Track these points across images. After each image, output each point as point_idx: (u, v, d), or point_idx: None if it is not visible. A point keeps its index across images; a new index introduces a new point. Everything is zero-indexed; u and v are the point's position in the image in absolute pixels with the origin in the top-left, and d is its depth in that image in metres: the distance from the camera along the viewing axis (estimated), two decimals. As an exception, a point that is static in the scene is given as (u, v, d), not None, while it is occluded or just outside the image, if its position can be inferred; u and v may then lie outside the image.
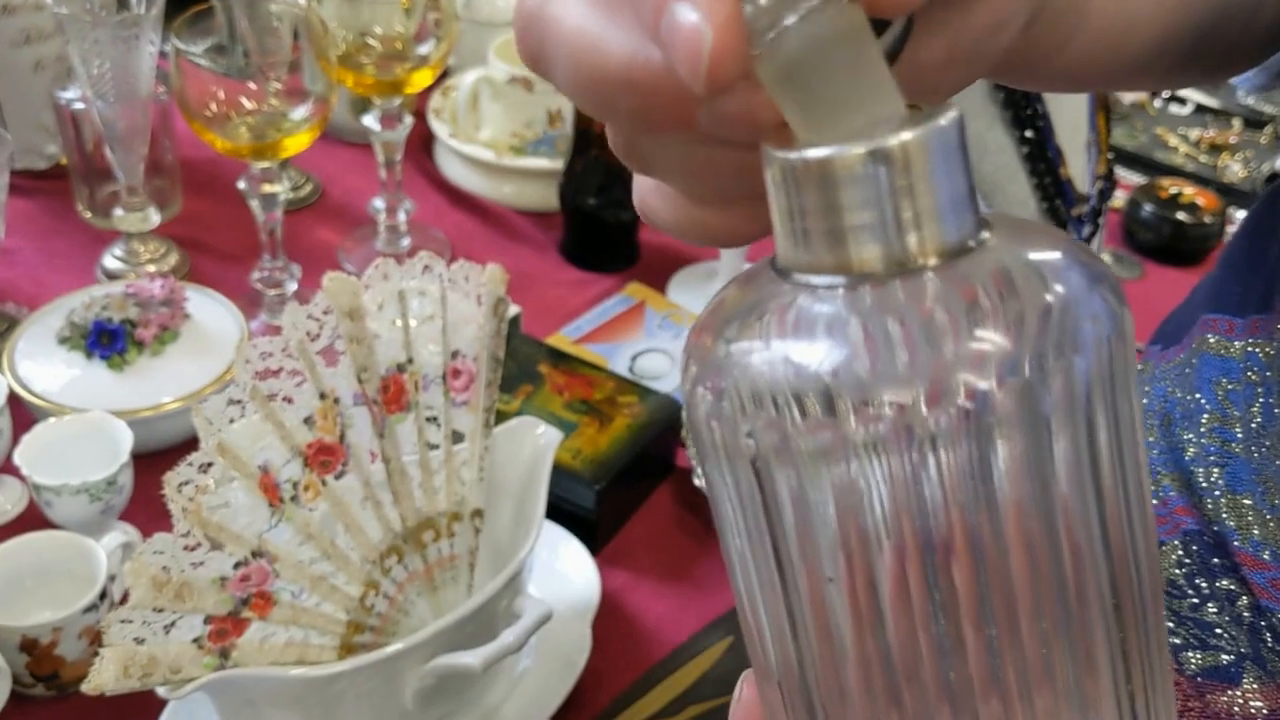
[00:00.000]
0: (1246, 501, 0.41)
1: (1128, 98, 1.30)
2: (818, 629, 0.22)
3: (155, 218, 0.91)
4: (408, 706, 0.58)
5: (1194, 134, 1.24)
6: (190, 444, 0.79)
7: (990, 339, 0.19)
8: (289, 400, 0.56)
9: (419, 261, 0.63)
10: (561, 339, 0.89)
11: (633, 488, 0.77)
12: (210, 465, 0.52)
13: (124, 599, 0.53)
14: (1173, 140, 1.23)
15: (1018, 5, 0.28)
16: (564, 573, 0.70)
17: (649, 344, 0.90)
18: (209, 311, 0.82)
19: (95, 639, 0.63)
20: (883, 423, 0.19)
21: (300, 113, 0.81)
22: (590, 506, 0.73)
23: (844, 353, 0.19)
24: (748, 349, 0.20)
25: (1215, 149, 1.22)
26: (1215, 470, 0.42)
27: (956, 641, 0.21)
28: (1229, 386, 0.43)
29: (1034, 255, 0.21)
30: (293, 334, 0.56)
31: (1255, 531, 0.41)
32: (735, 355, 0.21)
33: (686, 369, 0.22)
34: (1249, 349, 0.43)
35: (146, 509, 0.72)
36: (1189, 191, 1.07)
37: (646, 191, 0.26)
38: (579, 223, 0.98)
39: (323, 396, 0.57)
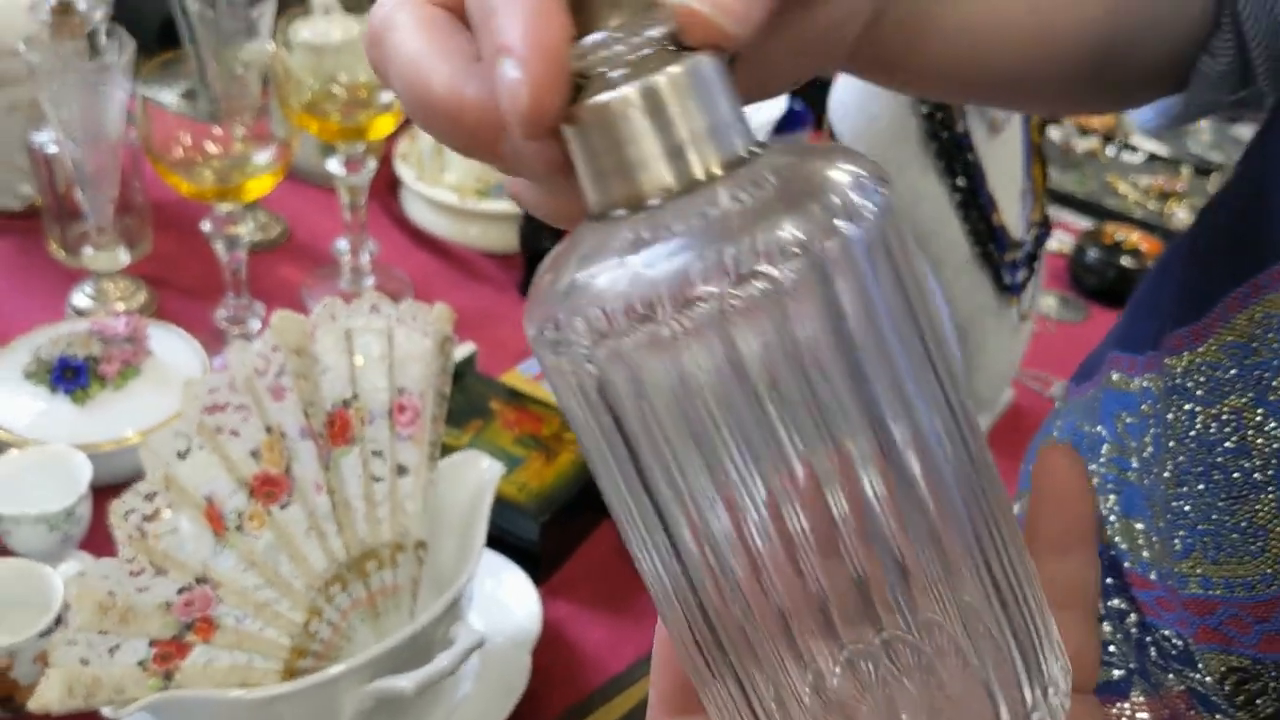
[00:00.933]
0: (1139, 526, 0.44)
1: (1080, 146, 1.34)
2: (690, 529, 0.24)
3: (124, 257, 0.94)
4: (346, 729, 0.60)
5: (1144, 181, 1.28)
6: (150, 476, 0.81)
7: (774, 223, 0.22)
8: (235, 434, 0.59)
9: (366, 301, 0.66)
10: (517, 375, 0.92)
11: (577, 521, 0.80)
12: (155, 494, 0.55)
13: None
14: (1123, 187, 1.27)
15: (858, 5, 0.31)
16: (506, 603, 0.72)
17: (601, 382, 0.93)
18: (172, 348, 0.85)
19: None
20: (697, 311, 0.22)
21: (263, 157, 0.84)
22: (534, 539, 0.75)
23: (652, 260, 0.22)
24: (569, 284, 0.23)
25: (1164, 196, 1.26)
26: (1112, 497, 0.45)
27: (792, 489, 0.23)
28: (1127, 420, 0.46)
29: (803, 154, 0.24)
30: (240, 370, 0.59)
31: (1144, 554, 0.43)
32: (560, 294, 0.23)
33: (528, 331, 0.24)
34: (1144, 384, 0.45)
35: (106, 540, 0.75)
36: (1134, 237, 1.11)
37: (511, 181, 0.29)
38: (538, 263, 1.00)
39: (269, 430, 0.60)
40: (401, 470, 0.66)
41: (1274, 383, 0.38)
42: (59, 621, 0.66)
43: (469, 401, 0.83)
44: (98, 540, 0.75)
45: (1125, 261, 1.09)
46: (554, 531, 0.76)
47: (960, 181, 0.80)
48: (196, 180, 0.83)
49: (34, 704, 0.53)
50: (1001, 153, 0.85)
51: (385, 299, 0.66)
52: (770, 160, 0.23)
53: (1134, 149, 1.34)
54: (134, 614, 0.54)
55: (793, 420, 0.23)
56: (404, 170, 1.08)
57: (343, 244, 0.98)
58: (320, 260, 1.05)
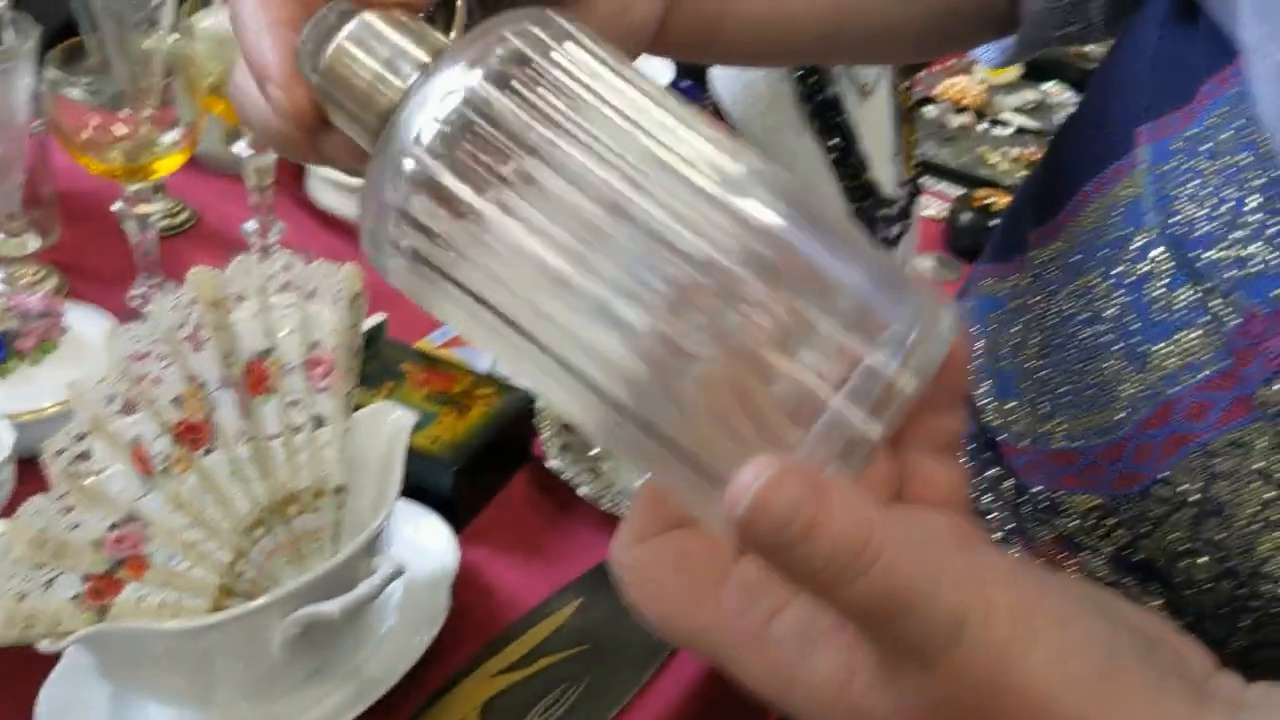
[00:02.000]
0: (1010, 404, 0.50)
1: (955, 121, 1.42)
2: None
3: (34, 243, 0.95)
4: (276, 656, 0.63)
5: (1013, 152, 1.36)
6: (70, 447, 0.83)
7: (472, 64, 0.30)
8: (158, 381, 0.62)
9: (279, 260, 0.69)
10: (426, 344, 0.96)
11: (490, 473, 0.84)
12: (85, 434, 0.58)
13: None
14: (993, 158, 1.35)
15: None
16: (424, 546, 0.76)
17: (508, 346, 0.97)
18: (87, 325, 0.87)
19: (-20, 619, 0.68)
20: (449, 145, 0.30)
21: (170, 137, 0.87)
22: (448, 486, 0.79)
23: (447, 80, 0.30)
24: (371, 199, 0.31)
25: (1031, 164, 1.34)
26: (987, 383, 0.52)
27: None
28: (999, 317, 0.52)
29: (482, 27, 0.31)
30: (160, 321, 0.62)
31: (1015, 426, 0.50)
32: (370, 211, 0.31)
33: (369, 257, 0.33)
34: (1013, 284, 0.52)
35: (28, 507, 0.77)
36: (1002, 200, 1.18)
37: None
38: (442, 239, 1.04)
39: (190, 379, 0.63)
40: (319, 421, 0.70)
41: (1117, 259, 0.45)
42: (-12, 579, 0.69)
43: (381, 365, 0.86)
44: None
45: (994, 223, 1.16)
46: (467, 480, 0.80)
47: (834, 141, 0.86)
48: (106, 160, 0.85)
49: (-27, 636, 0.55)
50: (872, 116, 0.92)
51: (298, 258, 0.70)
52: (464, 40, 0.31)
53: (1004, 124, 1.42)
54: (67, 549, 0.57)
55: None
56: (308, 155, 1.11)
57: (251, 225, 1.01)
58: (229, 244, 1.07)
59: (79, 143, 0.85)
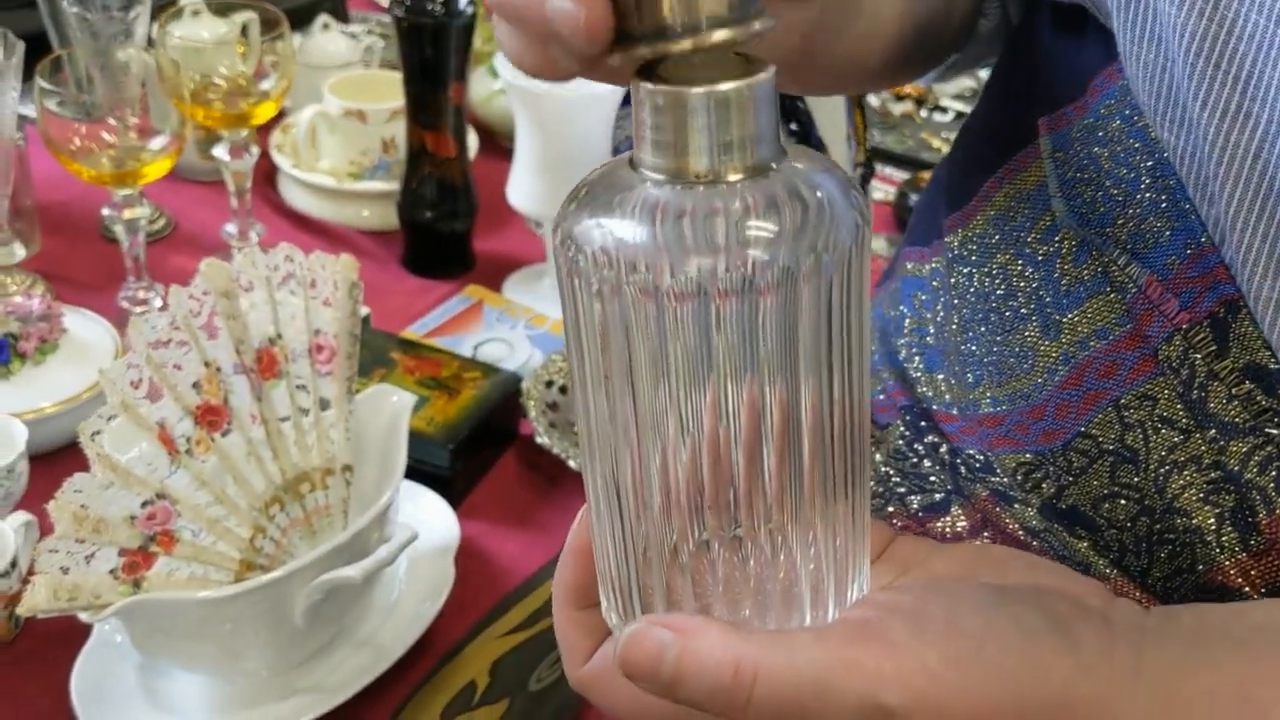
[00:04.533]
0: (939, 376, 0.55)
1: (897, 109, 1.48)
2: (629, 424, 0.32)
3: (20, 252, 0.98)
4: (298, 625, 0.67)
5: (954, 136, 1.43)
6: (73, 444, 0.87)
7: (768, 230, 0.29)
8: (179, 367, 0.66)
9: (281, 251, 0.73)
10: (410, 335, 1.00)
11: (481, 452, 0.88)
12: (115, 417, 0.61)
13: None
14: (936, 143, 1.42)
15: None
16: (426, 521, 0.80)
17: (489, 335, 1.01)
18: (84, 327, 0.90)
19: (8, 603, 0.71)
20: (687, 280, 0.29)
21: (158, 143, 0.90)
22: (445, 464, 0.83)
23: (665, 231, 0.29)
24: (595, 218, 0.30)
25: (971, 149, 1.41)
26: (917, 359, 0.56)
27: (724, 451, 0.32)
28: (923, 297, 0.57)
29: (814, 179, 0.31)
30: (178, 310, 0.66)
31: (946, 396, 0.55)
32: (587, 223, 0.30)
33: (557, 231, 0.31)
34: (933, 266, 0.57)
35: (38, 502, 0.80)
36: (947, 182, 1.25)
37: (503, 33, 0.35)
38: (418, 235, 1.09)
39: (206, 365, 0.67)
40: (324, 404, 0.74)
41: (1027, 239, 0.50)
42: (14, 565, 0.72)
43: (371, 354, 0.90)
44: (29, 504, 0.80)
45: (942, 203, 1.23)
46: (462, 457, 0.84)
47: (793, 126, 0.91)
48: (95, 167, 0.89)
49: (22, 609, 0.59)
50: (827, 104, 0.97)
51: (298, 250, 0.74)
52: (783, 178, 0.30)
53: (944, 110, 1.49)
54: (105, 524, 0.61)
55: (729, 365, 0.31)
56: (280, 159, 1.15)
57: (231, 228, 1.04)
58: (206, 248, 1.11)
59: (69, 152, 0.88)
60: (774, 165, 0.30)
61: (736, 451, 0.32)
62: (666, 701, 0.33)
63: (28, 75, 0.90)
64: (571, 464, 0.85)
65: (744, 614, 0.34)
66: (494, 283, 1.09)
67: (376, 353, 0.91)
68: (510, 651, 0.75)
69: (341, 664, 0.71)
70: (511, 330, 1.02)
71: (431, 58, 0.99)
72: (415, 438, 0.81)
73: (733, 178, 0.30)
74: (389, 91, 1.11)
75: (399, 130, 1.11)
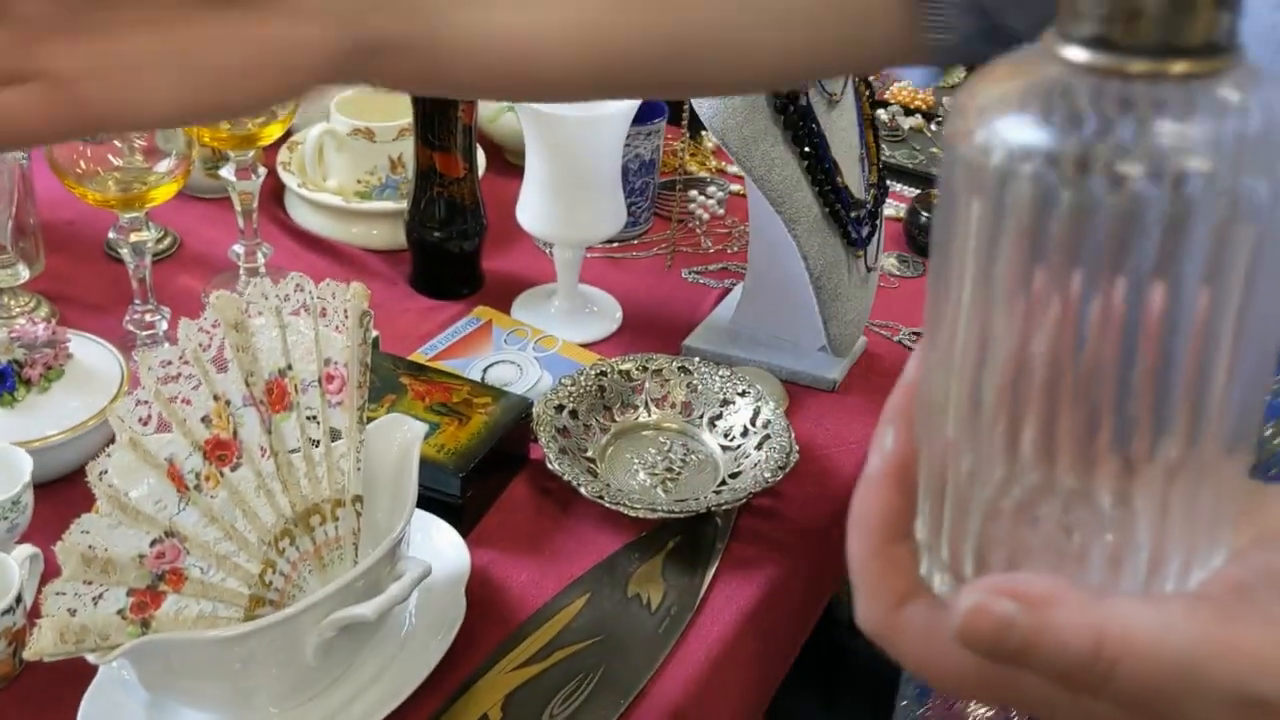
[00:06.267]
0: None
1: (906, 124, 1.47)
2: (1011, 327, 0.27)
3: (25, 273, 0.97)
4: (310, 663, 0.66)
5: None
6: (78, 472, 0.86)
7: (1205, 144, 0.25)
8: (187, 402, 0.65)
9: (291, 281, 0.72)
10: (419, 358, 0.98)
11: (492, 478, 0.87)
12: (116, 453, 0.60)
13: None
14: (946, 158, 1.41)
15: (307, 33, 0.41)
16: (437, 550, 0.79)
17: (499, 356, 1.00)
18: (89, 352, 0.89)
19: (12, 639, 0.70)
20: (1110, 183, 0.25)
21: (165, 166, 0.89)
22: (456, 492, 0.82)
23: (1095, 129, 0.25)
24: (1007, 120, 0.26)
25: (982, 163, 1.40)
26: None
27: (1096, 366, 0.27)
28: None
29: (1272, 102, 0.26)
30: (187, 344, 0.65)
31: None
32: (1000, 122, 0.26)
33: (964, 118, 0.28)
34: None
35: (43, 533, 0.79)
36: (958, 199, 1.23)
37: None
38: (426, 255, 1.07)
39: (216, 398, 0.66)
40: (335, 434, 0.73)
41: None
42: (19, 601, 0.71)
43: (381, 379, 0.89)
44: (34, 534, 0.79)
45: (954, 220, 1.21)
46: (473, 484, 0.83)
47: (807, 149, 0.90)
48: (101, 191, 0.88)
49: (29, 653, 0.57)
50: (840, 123, 0.96)
51: (308, 279, 0.73)
52: (1242, 79, 0.26)
53: (953, 124, 1.48)
54: (113, 565, 0.60)
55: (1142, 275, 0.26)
56: (287, 178, 1.14)
57: (238, 248, 1.03)
58: (213, 267, 1.10)
59: (75, 174, 0.87)
60: (1229, 61, 0.26)
61: (1134, 377, 0.27)
62: (990, 666, 0.30)
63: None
64: (583, 491, 0.84)
65: (1094, 577, 0.30)
66: (502, 303, 1.08)
67: (386, 378, 0.90)
68: (523, 685, 0.74)
69: (353, 701, 0.70)
70: (521, 352, 1.01)
71: (440, 77, 0.98)
72: (425, 465, 0.80)
73: (1175, 71, 0.26)
74: (396, 109, 1.10)
75: (407, 148, 1.10)
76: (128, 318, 0.95)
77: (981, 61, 0.61)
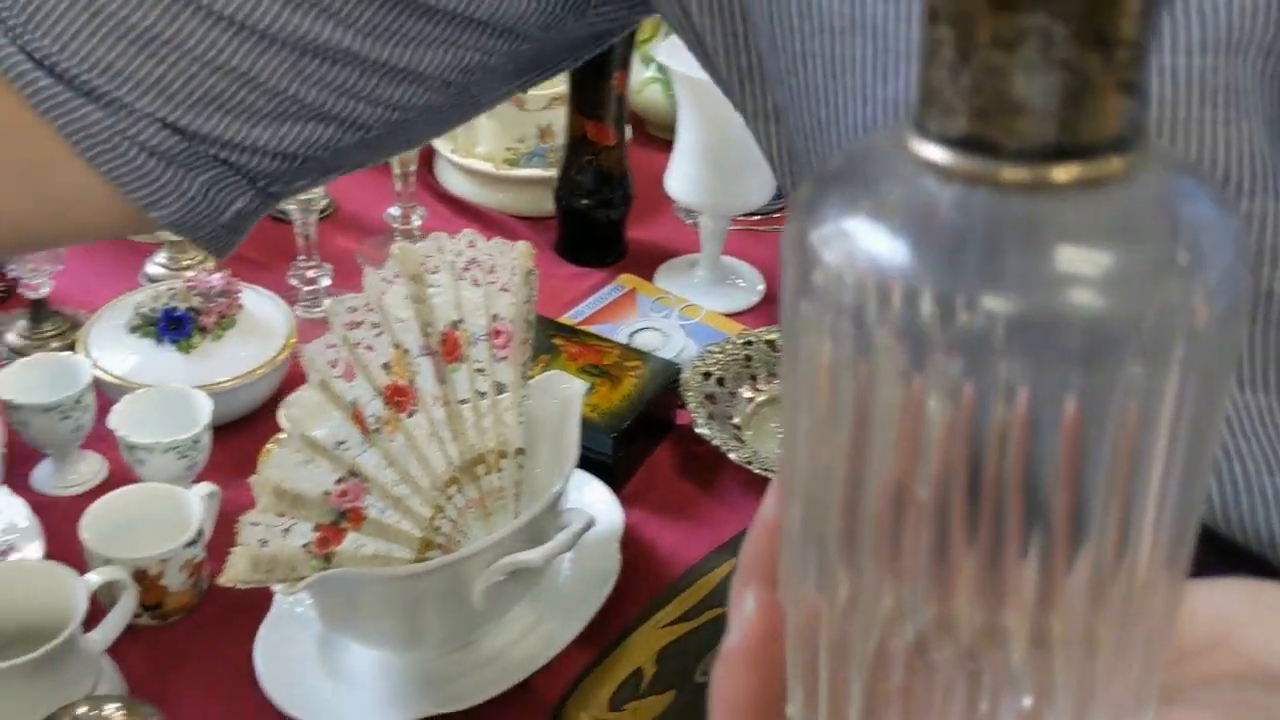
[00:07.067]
0: None
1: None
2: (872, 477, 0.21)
3: (195, 228, 1.01)
4: (476, 606, 0.68)
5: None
6: (249, 416, 0.90)
7: (1094, 274, 0.19)
8: (370, 348, 0.67)
9: (464, 238, 0.74)
10: (568, 320, 1.00)
11: (640, 441, 0.88)
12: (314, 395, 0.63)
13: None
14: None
15: None
16: (592, 506, 0.80)
17: (644, 323, 1.02)
18: (258, 304, 0.92)
19: (193, 571, 0.73)
20: (964, 326, 0.19)
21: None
22: (609, 451, 0.84)
23: (939, 248, 0.19)
24: (850, 226, 0.20)
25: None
26: None
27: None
28: None
29: (1177, 189, 0.20)
30: (373, 291, 0.67)
31: None
32: (837, 227, 0.20)
33: (789, 227, 0.21)
34: None
35: (217, 473, 0.82)
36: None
37: None
38: (573, 222, 1.09)
39: (395, 346, 0.68)
40: (500, 388, 0.75)
41: None
42: (200, 534, 0.74)
43: (534, 340, 0.91)
44: (210, 472, 0.82)
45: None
46: (625, 445, 0.85)
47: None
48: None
49: (224, 579, 0.60)
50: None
51: (480, 236, 0.75)
52: (1141, 185, 0.20)
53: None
54: (302, 500, 0.62)
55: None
56: (439, 143, 1.16)
57: (394, 210, 1.06)
58: (366, 229, 1.13)
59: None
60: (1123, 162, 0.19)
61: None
62: None
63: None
64: (732, 456, 0.85)
65: None
66: (645, 272, 1.09)
67: (539, 339, 0.91)
68: (674, 642, 0.76)
69: (512, 646, 0.72)
70: (665, 319, 1.02)
71: (597, 46, 0.99)
72: (580, 424, 0.82)
73: (1061, 178, 0.19)
74: (548, 78, 1.12)
75: (556, 117, 1.12)
76: (291, 272, 0.98)
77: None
